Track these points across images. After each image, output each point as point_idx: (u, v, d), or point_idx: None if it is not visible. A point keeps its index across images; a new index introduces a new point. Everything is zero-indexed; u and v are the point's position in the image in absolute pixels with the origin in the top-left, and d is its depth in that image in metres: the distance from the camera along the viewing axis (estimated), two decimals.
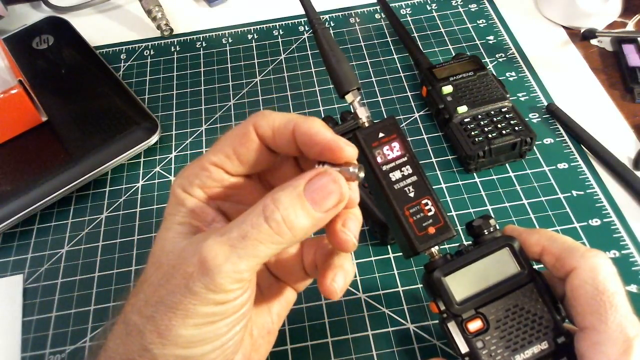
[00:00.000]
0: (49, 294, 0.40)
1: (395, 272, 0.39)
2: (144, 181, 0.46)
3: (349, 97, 0.30)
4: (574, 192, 0.42)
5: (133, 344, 0.22)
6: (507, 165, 0.44)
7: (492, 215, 0.33)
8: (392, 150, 0.28)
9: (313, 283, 0.38)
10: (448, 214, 0.28)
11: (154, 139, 0.47)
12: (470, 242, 0.29)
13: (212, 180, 0.25)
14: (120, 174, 0.47)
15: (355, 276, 0.39)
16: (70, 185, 0.43)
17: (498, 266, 0.28)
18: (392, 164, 0.28)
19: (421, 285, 0.38)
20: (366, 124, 0.28)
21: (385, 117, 0.31)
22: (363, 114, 0.29)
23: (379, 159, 0.28)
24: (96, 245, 0.42)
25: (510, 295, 0.27)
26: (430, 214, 0.27)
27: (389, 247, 0.40)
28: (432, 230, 0.27)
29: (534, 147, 0.44)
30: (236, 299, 0.23)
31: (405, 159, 0.28)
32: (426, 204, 0.27)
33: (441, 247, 0.28)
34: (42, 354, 0.37)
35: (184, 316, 0.22)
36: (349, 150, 0.23)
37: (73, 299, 0.40)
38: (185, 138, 0.49)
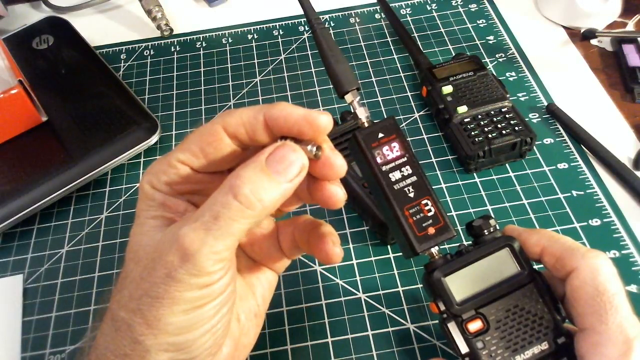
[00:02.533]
0: (49, 294, 0.40)
1: (395, 272, 0.39)
2: None
3: (348, 97, 0.30)
4: (574, 192, 0.42)
5: (123, 338, 0.23)
6: (507, 165, 0.44)
7: (492, 215, 0.33)
8: (392, 151, 0.28)
9: (313, 284, 0.39)
10: (448, 214, 0.28)
11: (154, 139, 0.47)
12: (470, 242, 0.29)
13: (179, 177, 0.25)
14: (120, 174, 0.47)
15: (355, 276, 0.39)
16: (70, 185, 0.43)
17: (498, 266, 0.28)
18: (392, 164, 0.28)
19: (421, 285, 0.38)
20: (366, 124, 0.28)
21: (385, 117, 0.31)
22: (362, 114, 0.29)
23: (378, 159, 0.28)
24: (96, 245, 0.42)
25: (510, 295, 0.27)
26: (430, 214, 0.27)
27: (389, 247, 0.40)
28: (432, 230, 0.27)
29: (534, 147, 0.44)
30: (219, 280, 0.23)
31: (405, 159, 0.28)
32: (426, 204, 0.27)
33: (441, 247, 0.28)
34: (42, 354, 0.37)
35: (171, 304, 0.22)
36: (324, 119, 0.24)
37: (73, 299, 0.40)
38: None
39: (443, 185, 0.43)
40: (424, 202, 0.27)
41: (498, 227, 0.29)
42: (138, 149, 0.46)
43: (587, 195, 0.41)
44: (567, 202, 0.41)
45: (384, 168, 0.28)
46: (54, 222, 0.44)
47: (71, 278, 0.41)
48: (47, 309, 0.39)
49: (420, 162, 0.28)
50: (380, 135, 0.28)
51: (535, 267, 0.28)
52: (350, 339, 0.36)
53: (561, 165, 0.43)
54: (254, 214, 0.23)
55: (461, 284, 0.27)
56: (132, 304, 0.23)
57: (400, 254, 0.39)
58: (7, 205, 0.42)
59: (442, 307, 0.27)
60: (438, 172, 0.44)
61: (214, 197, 0.23)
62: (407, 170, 0.28)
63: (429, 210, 0.27)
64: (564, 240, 0.27)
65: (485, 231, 0.28)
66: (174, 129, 0.50)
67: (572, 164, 0.43)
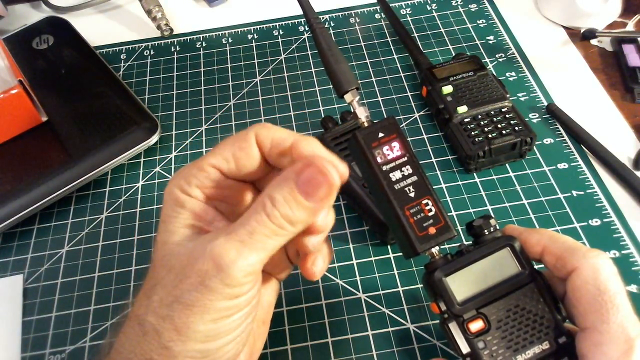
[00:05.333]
0: (49, 294, 0.40)
1: (395, 272, 0.39)
2: (144, 181, 0.46)
3: (347, 97, 0.30)
4: (574, 192, 0.42)
5: (150, 343, 0.23)
6: (507, 165, 0.44)
7: (492, 215, 0.33)
8: (392, 150, 0.28)
9: (313, 284, 0.39)
10: (448, 214, 0.28)
11: (154, 139, 0.47)
12: (470, 242, 0.29)
13: (209, 181, 0.26)
14: (120, 174, 0.47)
15: (355, 276, 0.39)
16: (70, 185, 0.43)
17: (499, 266, 0.28)
18: (392, 164, 0.28)
19: (421, 285, 0.38)
20: (365, 124, 0.28)
21: (385, 117, 0.31)
22: (362, 113, 0.29)
23: (379, 159, 0.28)
24: (96, 245, 0.42)
25: (511, 295, 0.27)
26: (430, 214, 0.27)
27: (389, 247, 0.40)
28: (432, 230, 0.27)
29: (534, 147, 0.44)
30: (248, 292, 0.24)
31: (405, 159, 0.28)
32: (427, 204, 0.27)
33: (441, 247, 0.28)
34: (42, 354, 0.37)
35: (201, 312, 0.23)
36: (343, 168, 0.25)
37: (73, 299, 0.40)
38: (185, 138, 0.49)
39: (443, 185, 0.43)
40: (424, 201, 0.27)
41: (498, 227, 0.29)
42: (138, 149, 0.46)
43: (587, 195, 0.41)
44: (567, 202, 0.41)
45: (384, 168, 0.28)
46: (54, 222, 0.44)
47: (71, 278, 0.41)
48: (47, 309, 0.39)
49: (420, 162, 0.28)
50: (381, 134, 0.28)
51: (536, 266, 0.28)
52: (350, 339, 0.36)
53: (561, 165, 0.43)
54: (286, 233, 0.24)
55: (462, 284, 0.27)
56: (162, 310, 0.23)
57: (401, 254, 0.39)
58: (7, 205, 0.42)
59: (443, 307, 0.27)
60: (438, 172, 0.44)
61: (248, 214, 0.24)
62: (407, 170, 0.28)
63: (430, 210, 0.27)
64: (565, 240, 0.27)
65: (486, 231, 0.28)
66: (174, 129, 0.50)
67: (572, 164, 0.43)
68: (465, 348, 0.26)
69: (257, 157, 0.26)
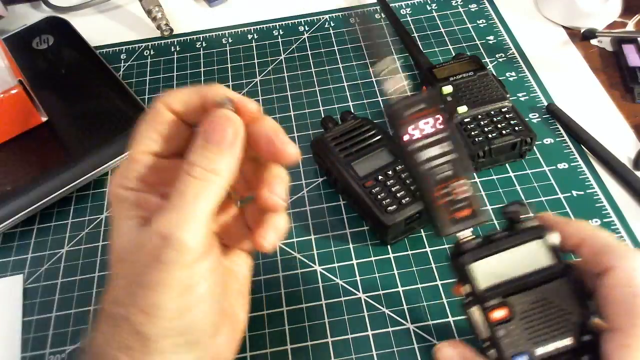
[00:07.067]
0: (49, 294, 0.40)
1: (395, 272, 0.39)
2: None
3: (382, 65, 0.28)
4: (574, 192, 0.42)
5: (123, 331, 0.23)
6: (507, 165, 0.44)
7: (524, 201, 0.31)
8: (433, 125, 0.26)
9: (313, 284, 0.39)
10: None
11: None
12: (503, 229, 0.28)
13: (146, 168, 0.26)
14: None
15: (355, 276, 0.39)
16: (70, 185, 0.43)
17: (531, 256, 0.26)
18: (429, 140, 0.26)
19: (421, 285, 0.38)
20: (406, 93, 0.27)
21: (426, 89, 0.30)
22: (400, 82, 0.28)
23: (415, 134, 0.26)
24: (96, 245, 0.42)
25: (540, 287, 0.26)
26: (463, 196, 0.26)
27: (389, 247, 0.40)
28: (463, 213, 0.26)
29: (534, 147, 0.44)
30: (206, 258, 0.24)
31: (446, 134, 0.26)
32: (460, 186, 0.26)
33: (474, 229, 0.27)
34: (42, 354, 0.37)
35: (163, 288, 0.23)
36: (252, 104, 0.26)
37: (73, 299, 0.40)
38: None
39: None
40: (458, 182, 0.26)
41: (533, 215, 0.27)
42: None
43: (587, 195, 0.41)
44: (567, 202, 0.41)
45: (418, 144, 0.26)
46: (54, 222, 0.44)
47: (71, 278, 0.41)
48: (47, 309, 0.39)
49: None
50: (421, 106, 0.26)
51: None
52: (350, 339, 0.36)
53: (561, 165, 0.43)
54: (215, 185, 0.24)
55: (490, 271, 0.26)
56: (127, 299, 0.23)
57: (400, 253, 0.39)
58: (7, 205, 0.42)
59: (467, 290, 0.26)
60: None
61: (175, 185, 0.24)
62: (445, 147, 0.26)
63: (463, 192, 0.26)
64: (604, 236, 0.26)
65: (522, 217, 0.27)
66: None
67: (572, 164, 0.43)
68: (485, 333, 0.26)
69: (175, 124, 0.26)
